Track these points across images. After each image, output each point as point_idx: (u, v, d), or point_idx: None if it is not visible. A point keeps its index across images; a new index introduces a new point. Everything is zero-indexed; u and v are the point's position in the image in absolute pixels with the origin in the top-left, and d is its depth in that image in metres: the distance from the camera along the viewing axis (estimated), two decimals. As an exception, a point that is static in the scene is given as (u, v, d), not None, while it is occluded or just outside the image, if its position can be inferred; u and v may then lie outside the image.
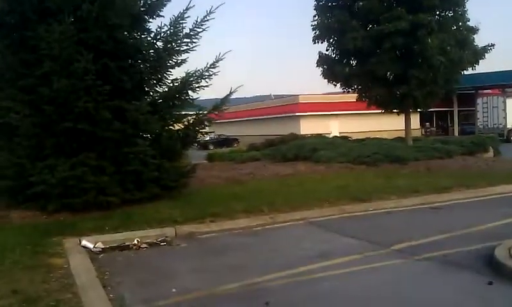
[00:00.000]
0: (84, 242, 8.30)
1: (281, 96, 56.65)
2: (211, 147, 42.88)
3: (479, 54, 22.33)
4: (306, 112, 44.11)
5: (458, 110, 48.24)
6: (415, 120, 46.55)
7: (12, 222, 9.82)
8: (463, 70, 22.76)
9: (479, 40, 23.37)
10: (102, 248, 8.23)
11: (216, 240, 8.52)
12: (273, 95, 67.68)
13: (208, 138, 51.00)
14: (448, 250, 6.98)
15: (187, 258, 7.45)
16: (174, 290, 5.75)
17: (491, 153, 22.38)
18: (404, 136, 23.51)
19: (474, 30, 22.28)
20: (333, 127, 42.59)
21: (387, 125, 35.11)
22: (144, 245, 8.24)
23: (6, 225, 9.44)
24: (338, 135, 35.61)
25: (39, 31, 9.87)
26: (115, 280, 6.27)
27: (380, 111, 24.64)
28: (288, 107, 45.99)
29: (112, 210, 10.29)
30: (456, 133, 42.50)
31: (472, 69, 23.10)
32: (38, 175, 9.98)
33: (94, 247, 8.22)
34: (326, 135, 32.29)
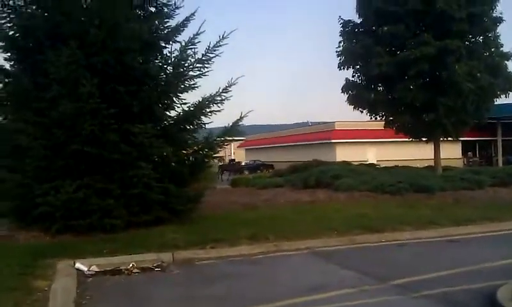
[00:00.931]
0: (77, 265, 8.19)
1: (320, 123, 56.26)
2: (246, 172, 42.78)
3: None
4: (342, 139, 43.42)
5: (502, 140, 46.15)
6: (457, 149, 45.27)
7: (18, 243, 9.86)
8: (495, 98, 21.85)
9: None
10: (96, 271, 8.10)
11: (212, 268, 8.25)
12: (310, 122, 67.43)
13: (244, 163, 51.24)
14: (450, 287, 6.48)
15: (174, 285, 7.20)
16: (147, 319, 5.50)
17: (526, 185, 21.23)
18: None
19: (508, 56, 21.45)
20: (370, 154, 41.72)
21: (426, 153, 33.99)
22: (137, 271, 8.05)
23: (8, 245, 9.46)
24: (375, 162, 34.89)
25: (49, 55, 10.04)
26: (92, 305, 6.07)
27: (410, 140, 23.88)
28: (324, 134, 45.41)
29: (116, 233, 10.20)
30: (500, 164, 40.47)
31: (506, 96, 22.17)
32: (43, 196, 10.03)
33: (88, 270, 8.10)
34: (363, 162, 31.66)
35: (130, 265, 8.26)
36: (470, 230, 11.03)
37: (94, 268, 8.18)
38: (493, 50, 21.28)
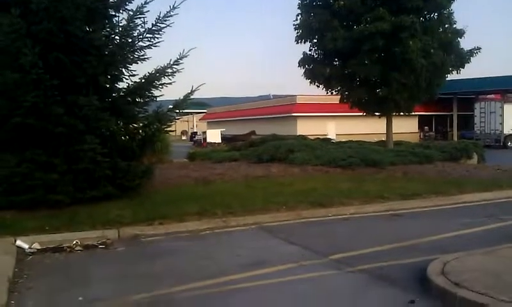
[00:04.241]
0: (18, 242, 8.04)
1: (282, 97, 56.32)
2: (194, 145, 42.44)
3: (464, 57, 21.98)
4: (303, 112, 43.72)
5: (458, 115, 47.50)
6: (413, 124, 46.37)
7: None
8: (446, 74, 22.39)
9: (475, 44, 22.90)
10: (38, 249, 7.97)
11: (157, 244, 8.25)
12: (272, 95, 67.33)
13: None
14: (387, 262, 6.72)
15: (116, 263, 7.17)
16: (80, 298, 5.48)
17: (474, 160, 22.08)
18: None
19: (460, 33, 21.91)
20: (330, 129, 42.23)
21: (383, 128, 34.59)
22: (79, 248, 7.97)
23: None
24: (334, 136, 35.31)
25: (-10, 24, 9.59)
26: (28, 285, 6.00)
27: (364, 114, 24.30)
28: (286, 107, 45.59)
29: (61, 209, 10.00)
30: (455, 139, 41.71)
31: (457, 72, 22.76)
32: (-17, 171, 9.70)
33: (29, 247, 7.96)
34: (324, 136, 32.00)
35: (74, 243, 8.17)
36: (415, 204, 11.38)
37: (36, 245, 8.05)
38: (446, 26, 21.66)
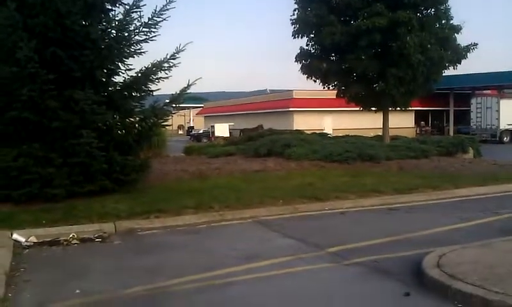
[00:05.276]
0: (15, 236, 8.04)
1: (278, 91, 56.33)
2: (204, 140, 42.17)
3: (460, 53, 22.04)
4: (299, 107, 43.72)
5: (454, 110, 47.60)
6: (410, 119, 46.43)
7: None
8: (443, 69, 22.45)
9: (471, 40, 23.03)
10: (34, 242, 7.97)
11: (154, 238, 8.27)
12: (269, 90, 67.27)
13: (202, 131, 50.73)
14: (382, 255, 6.75)
15: (113, 256, 7.19)
16: (78, 291, 5.49)
17: (470, 154, 22.14)
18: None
19: (457, 29, 21.97)
20: (327, 123, 42.23)
21: (380, 123, 34.71)
22: (76, 242, 7.97)
23: None
24: (331, 131, 35.32)
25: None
26: (25, 278, 6.01)
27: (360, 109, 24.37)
28: (283, 102, 45.60)
29: (58, 202, 9.99)
30: (451, 133, 41.75)
31: (454, 68, 22.82)
32: (-20, 165, 9.69)
33: (26, 241, 7.96)
34: (321, 131, 32.01)
35: (70, 236, 8.16)
36: (411, 198, 11.43)
37: (32, 239, 8.04)
38: (443, 22, 21.73)
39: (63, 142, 10.32)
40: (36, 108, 9.92)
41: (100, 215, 9.15)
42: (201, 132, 50.14)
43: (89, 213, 9.18)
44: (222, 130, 42.58)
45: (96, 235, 8.31)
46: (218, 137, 38.89)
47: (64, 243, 7.91)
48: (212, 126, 45.35)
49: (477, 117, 41.24)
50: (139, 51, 11.70)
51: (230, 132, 41.77)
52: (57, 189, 10.08)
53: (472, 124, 41.65)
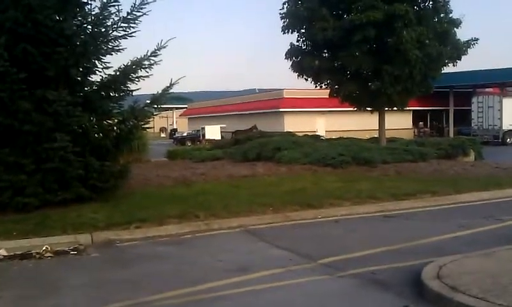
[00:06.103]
0: (-17, 249, 7.95)
1: (268, 91, 56.41)
2: (189, 144, 41.95)
3: (460, 48, 22.22)
4: (290, 107, 43.78)
5: (454, 110, 47.80)
6: (407, 119, 46.69)
7: None
8: (442, 66, 22.63)
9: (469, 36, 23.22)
10: (4, 256, 7.91)
11: (134, 250, 8.24)
12: (258, 89, 67.42)
13: (186, 134, 50.55)
14: (379, 266, 6.78)
15: (89, 270, 7.15)
16: (50, 309, 5.45)
17: (471, 157, 22.34)
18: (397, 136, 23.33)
19: (456, 23, 22.15)
20: (319, 125, 42.31)
21: (375, 124, 34.79)
22: (49, 255, 7.92)
23: None
24: (324, 133, 35.38)
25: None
26: (-8, 294, 5.94)
27: (353, 109, 24.49)
28: (273, 102, 45.62)
29: (30, 212, 9.95)
30: (451, 135, 41.99)
31: (454, 65, 23.02)
32: None
33: (-5, 254, 7.88)
34: (313, 133, 32.03)
35: (43, 249, 8.12)
36: (408, 205, 11.50)
37: (2, 252, 8.01)
38: (442, 16, 21.89)
39: (35, 147, 10.26)
40: (6, 110, 9.86)
41: (76, 225, 9.11)
42: (185, 134, 49.92)
43: (63, 224, 9.14)
44: (213, 132, 42.46)
45: (71, 247, 8.27)
46: (209, 140, 38.69)
47: (37, 256, 7.86)
48: (203, 128, 45.20)
49: (478, 117, 41.45)
50: (117, 48, 11.69)
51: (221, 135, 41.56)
52: (29, 198, 10.03)
53: (473, 124, 41.85)
